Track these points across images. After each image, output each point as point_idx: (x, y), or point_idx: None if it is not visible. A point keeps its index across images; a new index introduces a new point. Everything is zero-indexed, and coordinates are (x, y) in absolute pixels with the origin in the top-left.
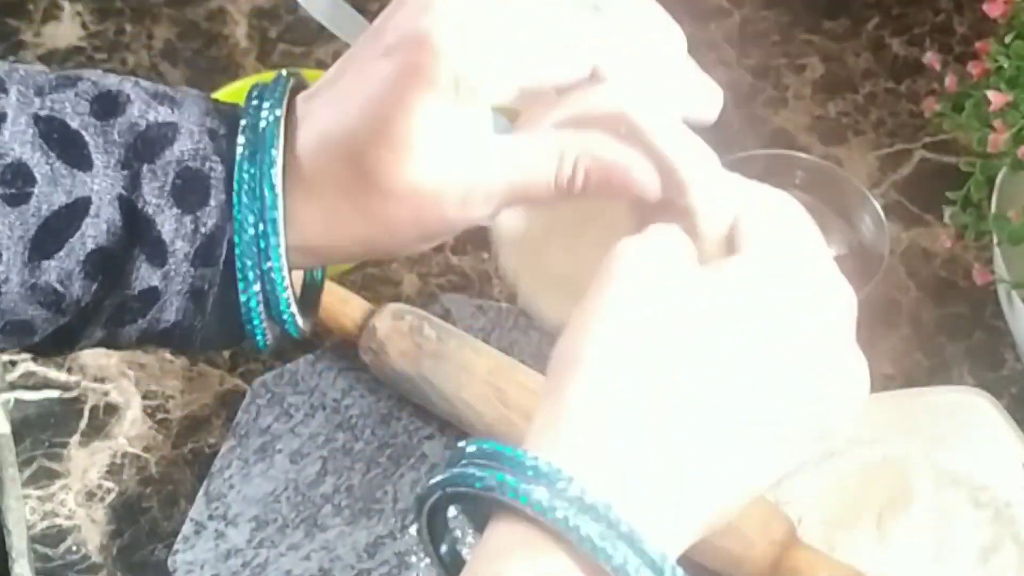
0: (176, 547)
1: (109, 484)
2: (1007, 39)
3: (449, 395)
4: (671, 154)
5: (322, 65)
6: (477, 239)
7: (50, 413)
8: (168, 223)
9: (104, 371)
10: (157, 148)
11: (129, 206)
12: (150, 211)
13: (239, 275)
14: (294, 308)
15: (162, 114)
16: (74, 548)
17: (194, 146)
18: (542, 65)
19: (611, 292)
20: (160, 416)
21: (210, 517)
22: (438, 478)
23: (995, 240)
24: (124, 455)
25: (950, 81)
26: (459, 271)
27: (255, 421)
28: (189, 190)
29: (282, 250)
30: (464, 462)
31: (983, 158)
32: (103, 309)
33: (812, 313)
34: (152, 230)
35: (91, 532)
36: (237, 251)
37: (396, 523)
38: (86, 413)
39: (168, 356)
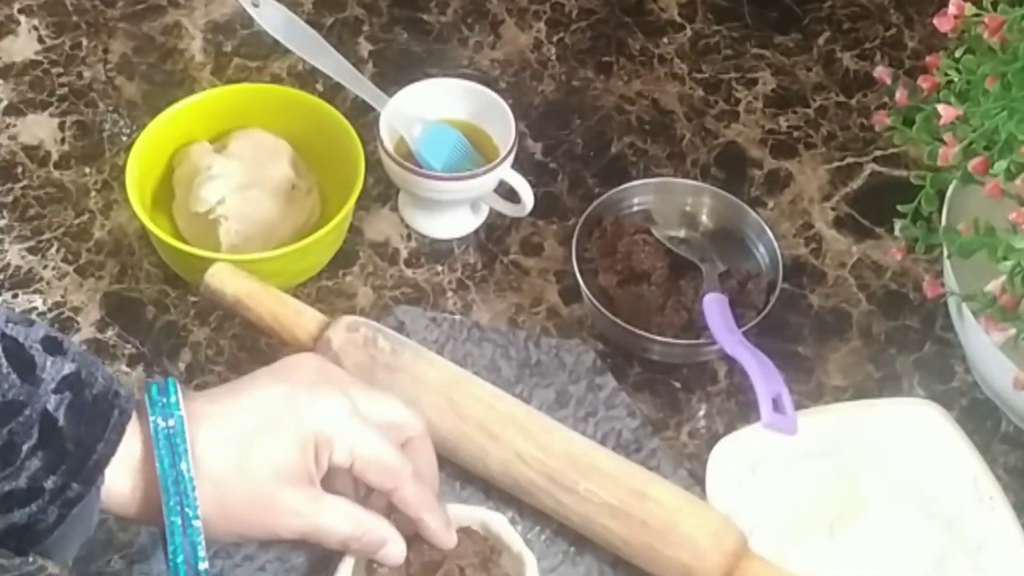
0: (133, 559)
1: None
2: (957, 53)
3: None
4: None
5: (277, 79)
6: (431, 252)
7: None
8: None
9: None
10: None
11: None
12: None
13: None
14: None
15: None
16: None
17: None
18: None
19: None
20: None
21: None
22: None
23: (945, 253)
24: None
25: (900, 95)
26: (413, 284)
27: None
28: None
29: None
30: None
31: (933, 171)
32: None
33: None
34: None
35: None
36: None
37: None
38: None
39: None
